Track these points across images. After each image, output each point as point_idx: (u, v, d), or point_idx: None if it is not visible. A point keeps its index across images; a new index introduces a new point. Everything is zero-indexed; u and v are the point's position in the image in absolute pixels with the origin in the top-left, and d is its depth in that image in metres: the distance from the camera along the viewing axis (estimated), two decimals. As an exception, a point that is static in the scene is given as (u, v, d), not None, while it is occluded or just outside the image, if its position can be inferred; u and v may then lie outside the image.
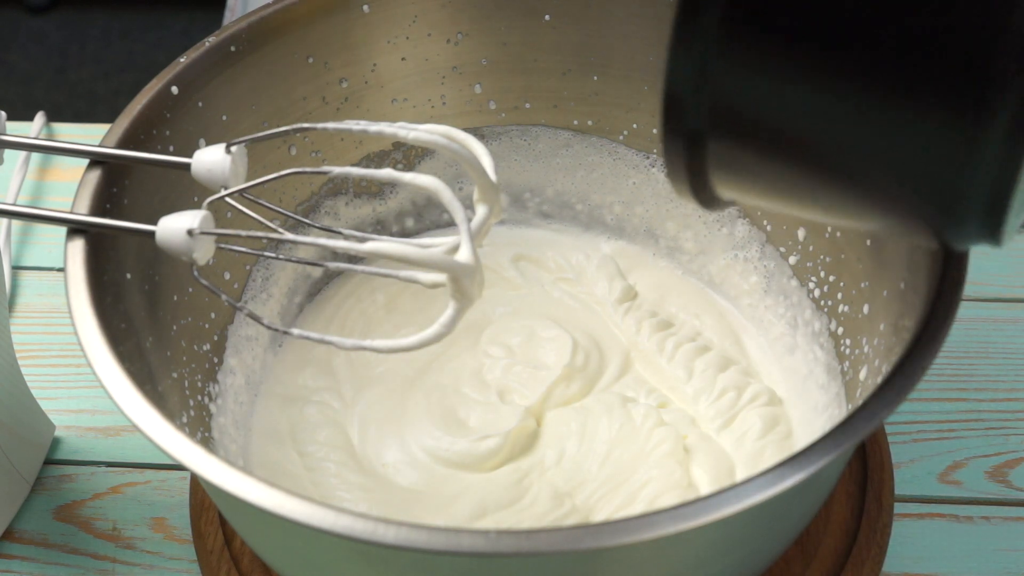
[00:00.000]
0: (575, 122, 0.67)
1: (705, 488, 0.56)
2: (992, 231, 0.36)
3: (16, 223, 0.76)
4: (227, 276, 0.61)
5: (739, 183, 0.40)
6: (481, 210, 0.49)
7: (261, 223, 0.49)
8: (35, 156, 0.80)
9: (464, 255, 0.45)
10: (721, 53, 0.36)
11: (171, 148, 0.54)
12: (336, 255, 0.66)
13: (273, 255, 0.50)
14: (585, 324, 0.65)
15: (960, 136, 0.33)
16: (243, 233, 0.46)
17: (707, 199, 0.41)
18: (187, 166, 0.49)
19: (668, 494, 0.55)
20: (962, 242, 0.37)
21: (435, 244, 0.48)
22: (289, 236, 0.47)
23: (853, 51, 0.34)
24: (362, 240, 0.47)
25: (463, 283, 0.45)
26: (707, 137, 0.38)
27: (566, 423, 0.59)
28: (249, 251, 0.49)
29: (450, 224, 0.70)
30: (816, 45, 0.34)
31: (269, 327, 0.47)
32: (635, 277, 0.67)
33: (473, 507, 0.55)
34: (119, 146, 0.52)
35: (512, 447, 0.58)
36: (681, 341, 0.63)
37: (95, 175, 0.51)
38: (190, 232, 0.46)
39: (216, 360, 0.59)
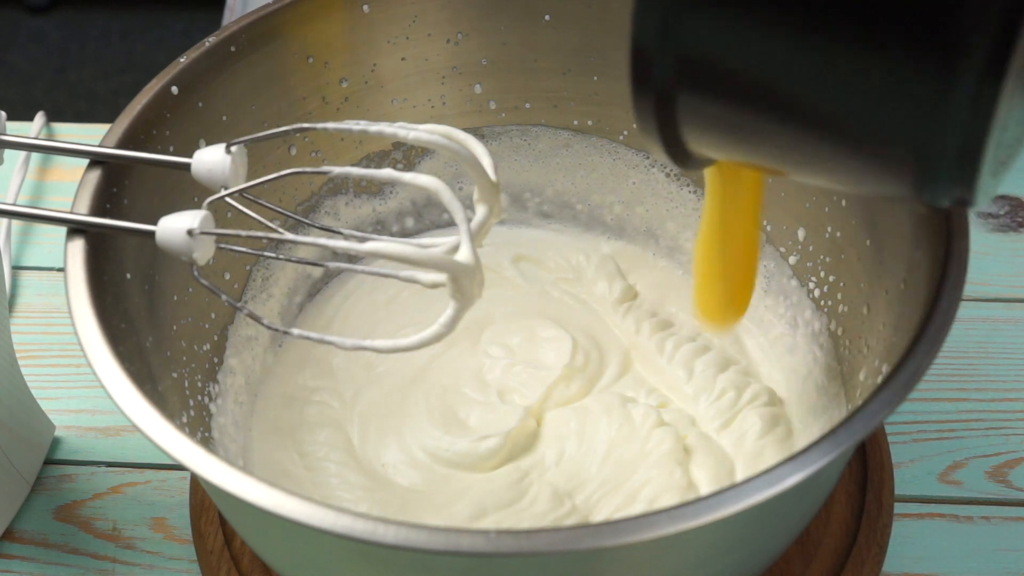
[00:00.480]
0: (575, 122, 0.67)
1: (705, 488, 0.56)
2: (967, 182, 0.35)
3: (16, 223, 0.76)
4: (227, 276, 0.61)
5: (712, 137, 0.39)
6: (481, 210, 0.49)
7: (261, 223, 0.49)
8: (35, 156, 0.80)
9: (464, 255, 0.45)
10: (684, 3, 0.35)
11: (171, 148, 0.54)
12: (336, 255, 0.66)
13: (273, 255, 0.50)
14: (585, 324, 0.65)
15: (932, 78, 0.33)
16: (243, 233, 0.46)
17: (680, 156, 0.40)
18: (187, 166, 0.49)
19: (668, 494, 0.55)
20: (937, 195, 0.36)
21: (435, 244, 0.48)
22: (289, 236, 0.47)
23: None
24: (362, 240, 0.47)
25: (463, 283, 0.45)
26: (676, 90, 0.37)
27: (566, 423, 0.59)
28: (249, 251, 0.49)
29: (450, 223, 0.70)
30: None
31: (269, 327, 0.47)
32: (635, 277, 0.67)
33: (473, 507, 0.55)
34: (119, 146, 0.51)
35: (512, 447, 0.58)
36: (681, 341, 0.63)
37: (95, 175, 0.51)
38: (190, 232, 0.46)
39: (216, 360, 0.59)
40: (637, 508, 0.55)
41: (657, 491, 0.55)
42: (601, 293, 0.67)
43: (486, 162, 0.48)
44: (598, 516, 0.55)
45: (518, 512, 0.55)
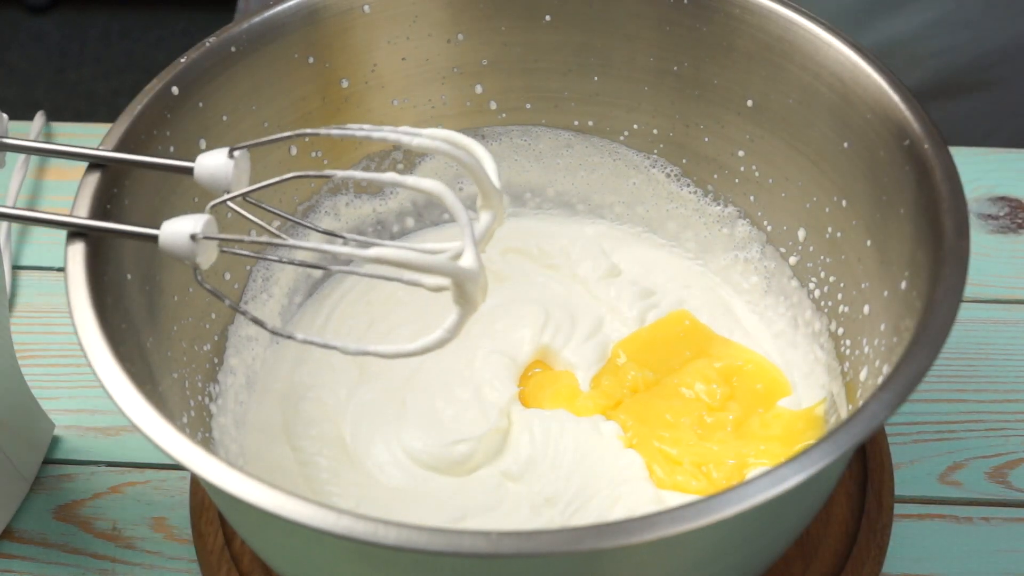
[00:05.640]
0: (576, 122, 0.67)
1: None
2: None
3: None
4: (227, 276, 0.61)
5: None
6: (485, 215, 0.49)
7: (264, 228, 0.49)
8: (35, 156, 0.80)
9: (468, 260, 0.45)
10: None
11: (171, 148, 0.54)
12: (338, 257, 0.66)
13: (276, 258, 0.49)
14: (563, 297, 0.64)
15: None
16: (246, 238, 0.46)
17: None
18: (189, 171, 0.49)
19: (641, 511, 0.54)
20: None
21: (439, 249, 0.48)
22: (293, 242, 0.47)
23: None
24: (366, 245, 0.46)
25: (467, 288, 0.45)
26: None
27: (528, 428, 0.58)
28: (252, 255, 0.49)
29: (450, 221, 0.70)
30: None
31: (273, 332, 0.47)
32: (619, 256, 0.67)
33: (454, 511, 0.55)
34: (119, 146, 0.51)
35: (486, 450, 0.57)
36: (665, 310, 0.63)
37: (95, 176, 0.51)
38: (193, 237, 0.46)
39: (216, 360, 0.59)
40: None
41: (630, 509, 0.54)
42: (585, 272, 0.66)
43: (490, 167, 0.48)
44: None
45: (499, 519, 0.54)
